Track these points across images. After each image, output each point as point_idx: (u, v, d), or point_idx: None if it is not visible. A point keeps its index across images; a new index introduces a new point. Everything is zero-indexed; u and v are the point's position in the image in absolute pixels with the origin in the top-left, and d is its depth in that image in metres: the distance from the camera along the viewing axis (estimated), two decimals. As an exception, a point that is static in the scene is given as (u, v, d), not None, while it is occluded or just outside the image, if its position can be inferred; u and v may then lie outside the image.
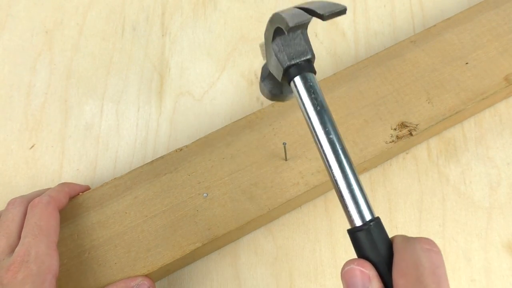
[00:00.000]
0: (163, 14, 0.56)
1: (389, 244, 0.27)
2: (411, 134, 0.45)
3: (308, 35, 0.32)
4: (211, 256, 0.46)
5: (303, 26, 0.30)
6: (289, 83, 0.31)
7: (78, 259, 0.41)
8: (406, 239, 0.27)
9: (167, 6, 0.57)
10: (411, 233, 0.46)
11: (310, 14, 0.30)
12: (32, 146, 0.50)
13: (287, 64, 0.31)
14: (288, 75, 0.31)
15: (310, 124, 0.30)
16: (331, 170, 0.29)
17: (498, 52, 0.48)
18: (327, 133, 0.29)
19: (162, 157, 0.45)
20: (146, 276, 0.41)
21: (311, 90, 0.30)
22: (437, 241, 0.45)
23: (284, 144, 0.42)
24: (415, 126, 0.45)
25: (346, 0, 0.56)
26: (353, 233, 0.28)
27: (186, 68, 0.54)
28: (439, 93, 0.46)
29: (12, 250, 0.37)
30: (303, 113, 0.31)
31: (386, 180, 0.48)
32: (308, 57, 0.31)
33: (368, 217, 0.28)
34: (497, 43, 0.48)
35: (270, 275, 0.45)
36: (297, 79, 0.31)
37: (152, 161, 0.45)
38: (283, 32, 0.31)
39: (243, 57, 0.54)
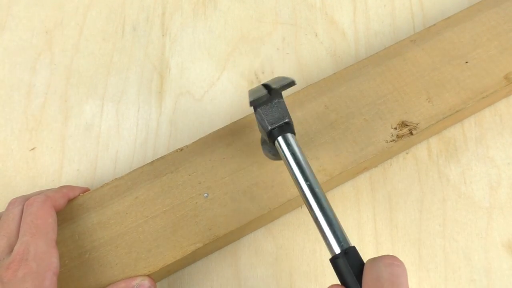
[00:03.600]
0: (163, 14, 0.56)
1: (363, 267, 0.31)
2: (411, 133, 0.45)
3: (288, 96, 0.40)
4: (211, 256, 0.46)
5: (261, 99, 0.37)
6: (273, 143, 0.38)
7: (79, 259, 0.41)
8: (372, 259, 0.31)
9: (167, 6, 0.57)
10: (411, 233, 0.46)
11: (268, 89, 0.37)
12: (33, 149, 0.50)
13: (268, 128, 0.37)
14: (271, 137, 0.38)
15: (292, 173, 0.36)
16: (312, 210, 0.34)
17: (498, 51, 0.48)
18: (305, 180, 0.35)
19: (162, 157, 0.45)
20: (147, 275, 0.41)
21: (290, 148, 0.37)
22: (437, 241, 0.45)
23: None
24: (416, 125, 0.45)
25: (346, 0, 0.56)
26: (334, 260, 0.32)
27: (186, 68, 0.54)
28: (439, 92, 0.46)
29: (12, 250, 0.37)
30: (286, 165, 0.37)
31: (386, 180, 0.48)
32: (286, 120, 0.38)
33: (345, 245, 0.32)
34: (497, 42, 0.48)
35: (271, 275, 0.45)
36: (280, 139, 0.37)
37: (153, 161, 0.45)
38: (263, 104, 0.38)
39: (243, 57, 0.54)
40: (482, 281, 0.44)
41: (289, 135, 0.37)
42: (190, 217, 0.42)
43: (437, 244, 0.45)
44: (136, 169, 0.45)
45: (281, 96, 0.39)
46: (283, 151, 0.37)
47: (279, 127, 0.37)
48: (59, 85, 0.53)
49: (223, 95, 0.52)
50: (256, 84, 0.52)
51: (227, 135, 0.46)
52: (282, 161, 0.41)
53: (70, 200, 0.43)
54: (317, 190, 0.34)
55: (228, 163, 0.44)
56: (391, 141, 0.45)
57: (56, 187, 0.44)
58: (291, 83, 0.37)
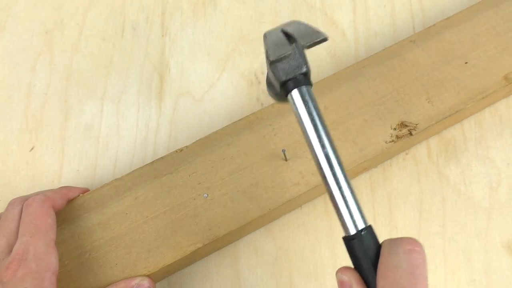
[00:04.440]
0: (163, 14, 0.56)
1: (379, 249, 0.29)
2: (411, 134, 0.45)
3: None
4: (211, 256, 0.46)
5: (285, 57, 0.31)
6: (286, 97, 0.32)
7: (79, 260, 0.41)
8: (390, 242, 0.29)
9: (167, 6, 0.57)
10: (411, 233, 0.46)
11: (292, 42, 0.31)
12: (32, 148, 0.50)
13: (282, 79, 0.31)
14: (285, 89, 0.32)
15: (306, 136, 0.31)
16: (326, 181, 0.30)
17: (497, 51, 0.48)
18: (322, 147, 0.30)
19: (162, 158, 0.45)
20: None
21: (307, 104, 0.31)
22: (437, 241, 0.45)
23: (283, 151, 0.43)
24: (415, 125, 0.45)
25: (346, 0, 0.56)
26: (348, 241, 0.30)
27: (186, 68, 0.54)
28: (439, 93, 0.46)
29: (11, 250, 0.37)
30: (299, 126, 0.32)
31: (386, 180, 0.48)
32: (303, 71, 0.31)
33: (361, 225, 0.29)
34: (496, 42, 0.48)
35: (270, 276, 0.45)
36: (294, 93, 0.31)
37: (153, 161, 0.45)
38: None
39: (243, 58, 0.54)
40: (482, 281, 0.44)
41: (305, 89, 0.31)
42: (190, 218, 0.42)
43: (437, 244, 0.45)
44: (136, 170, 0.45)
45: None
46: (297, 109, 0.31)
47: (294, 78, 0.31)
48: (59, 85, 0.53)
49: (223, 96, 0.52)
50: (255, 85, 0.52)
51: (227, 136, 0.46)
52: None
53: (70, 201, 0.43)
54: (333, 159, 0.30)
55: (228, 163, 0.44)
56: (390, 142, 0.45)
57: (56, 188, 0.44)
58: (324, 39, 0.30)
